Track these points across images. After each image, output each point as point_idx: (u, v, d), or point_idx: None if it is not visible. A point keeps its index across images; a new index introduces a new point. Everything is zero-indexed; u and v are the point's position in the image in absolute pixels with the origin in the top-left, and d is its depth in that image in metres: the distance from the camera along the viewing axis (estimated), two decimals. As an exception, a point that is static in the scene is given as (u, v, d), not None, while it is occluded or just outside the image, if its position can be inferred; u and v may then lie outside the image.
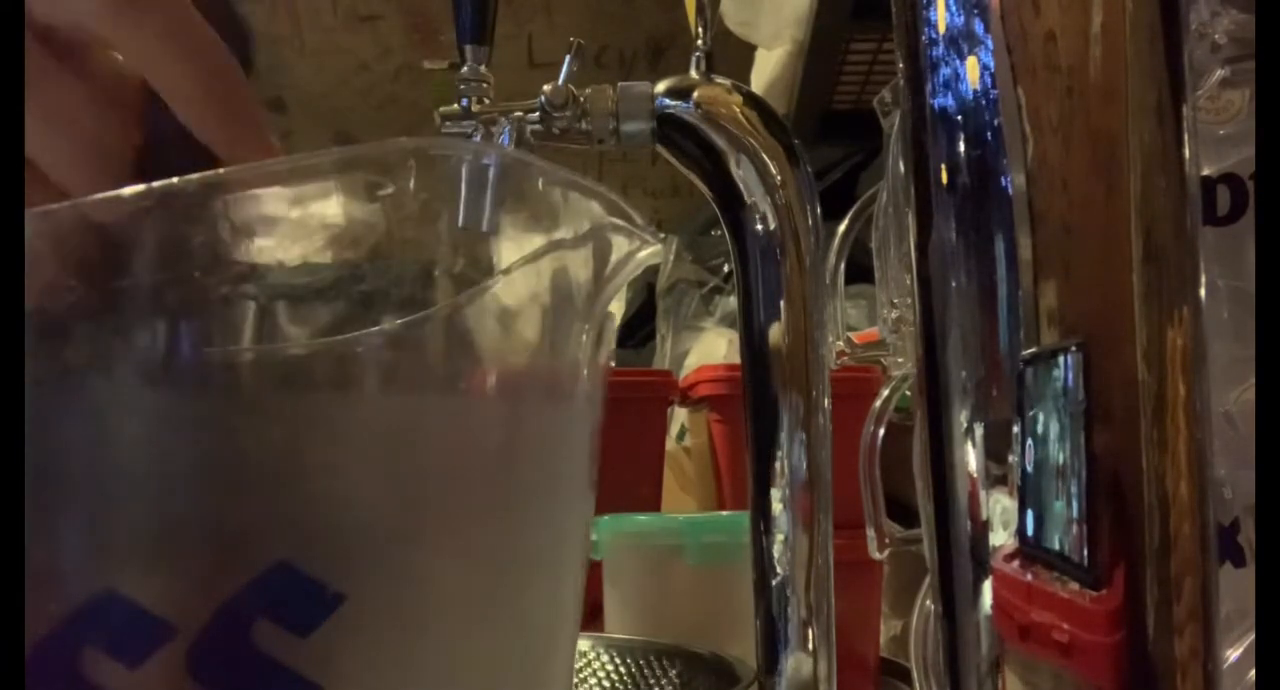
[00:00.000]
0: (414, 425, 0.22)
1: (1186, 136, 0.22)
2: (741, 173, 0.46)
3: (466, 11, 0.45)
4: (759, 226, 0.46)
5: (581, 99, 0.45)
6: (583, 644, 0.58)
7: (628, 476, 0.87)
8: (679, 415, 1.06)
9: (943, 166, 0.23)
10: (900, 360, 0.52)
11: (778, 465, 0.46)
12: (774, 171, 0.46)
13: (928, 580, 0.25)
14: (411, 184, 0.22)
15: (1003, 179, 0.22)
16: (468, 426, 0.23)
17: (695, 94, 0.46)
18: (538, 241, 0.24)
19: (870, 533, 0.51)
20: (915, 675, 0.51)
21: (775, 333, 0.46)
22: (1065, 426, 0.21)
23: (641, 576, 0.69)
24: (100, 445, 0.20)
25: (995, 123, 0.22)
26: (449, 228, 0.23)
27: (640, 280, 1.57)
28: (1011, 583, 0.22)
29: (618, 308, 0.27)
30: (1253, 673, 0.34)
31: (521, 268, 0.23)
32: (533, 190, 0.24)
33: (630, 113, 0.45)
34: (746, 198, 0.46)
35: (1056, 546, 0.21)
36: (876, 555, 0.52)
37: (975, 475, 0.23)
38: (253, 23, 1.89)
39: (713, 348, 1.41)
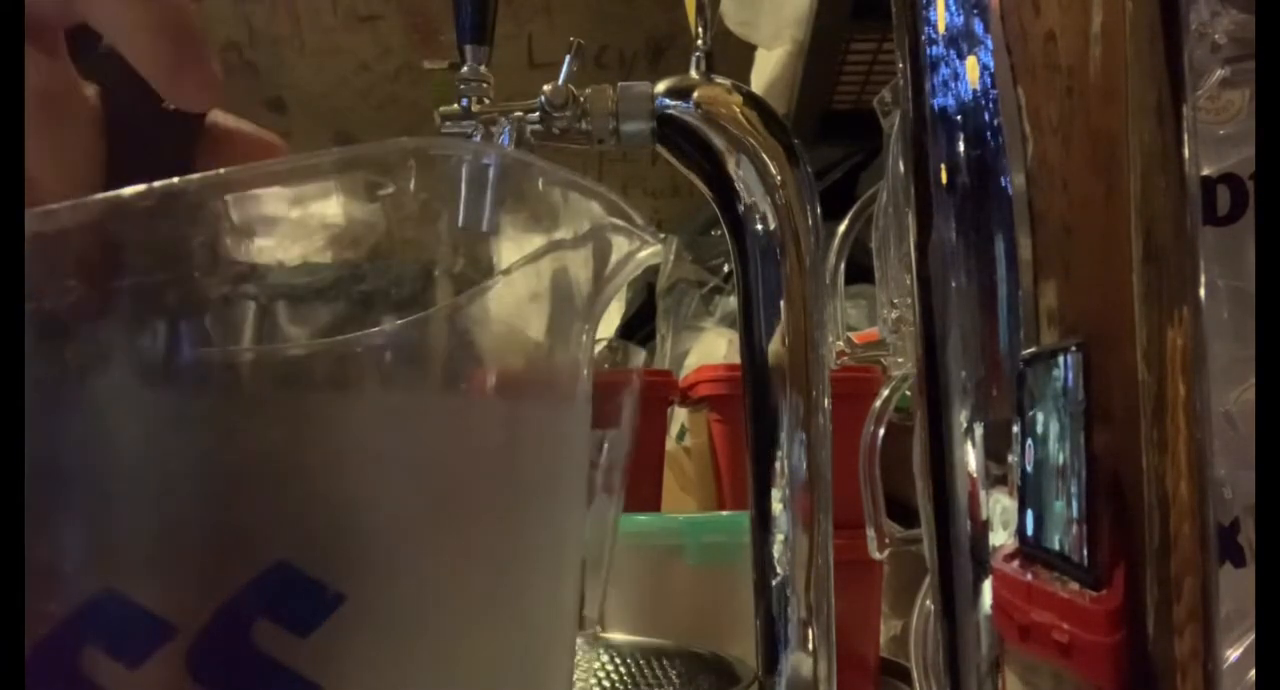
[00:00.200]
0: (414, 425, 0.22)
1: (1186, 136, 0.22)
2: (741, 173, 0.46)
3: (466, 11, 0.45)
4: (759, 226, 0.46)
5: (581, 99, 0.45)
6: (582, 644, 0.58)
7: (628, 476, 0.87)
8: (679, 415, 1.06)
9: (943, 166, 0.23)
10: (900, 360, 0.52)
11: (778, 465, 0.46)
12: (774, 171, 0.46)
13: (928, 580, 0.25)
14: (411, 184, 0.22)
15: (1003, 179, 0.22)
16: (468, 426, 0.23)
17: (695, 94, 0.46)
18: (538, 241, 0.24)
19: (870, 533, 0.51)
20: (915, 675, 0.51)
21: (775, 333, 0.46)
22: (1065, 426, 0.21)
23: (641, 576, 0.69)
24: (100, 445, 0.20)
25: (995, 123, 0.22)
26: (449, 228, 0.23)
27: (640, 280, 1.57)
28: (1011, 583, 0.22)
29: (618, 308, 0.27)
30: (1253, 673, 0.34)
31: (521, 268, 0.23)
32: (533, 190, 0.24)
33: (630, 113, 0.45)
34: (746, 198, 0.46)
35: (1056, 546, 0.21)
36: (876, 555, 0.52)
37: (975, 475, 0.23)
38: (253, 22, 1.89)
39: (713, 348, 1.41)
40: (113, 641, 0.20)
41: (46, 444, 0.20)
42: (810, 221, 0.46)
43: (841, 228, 0.55)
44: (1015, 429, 0.22)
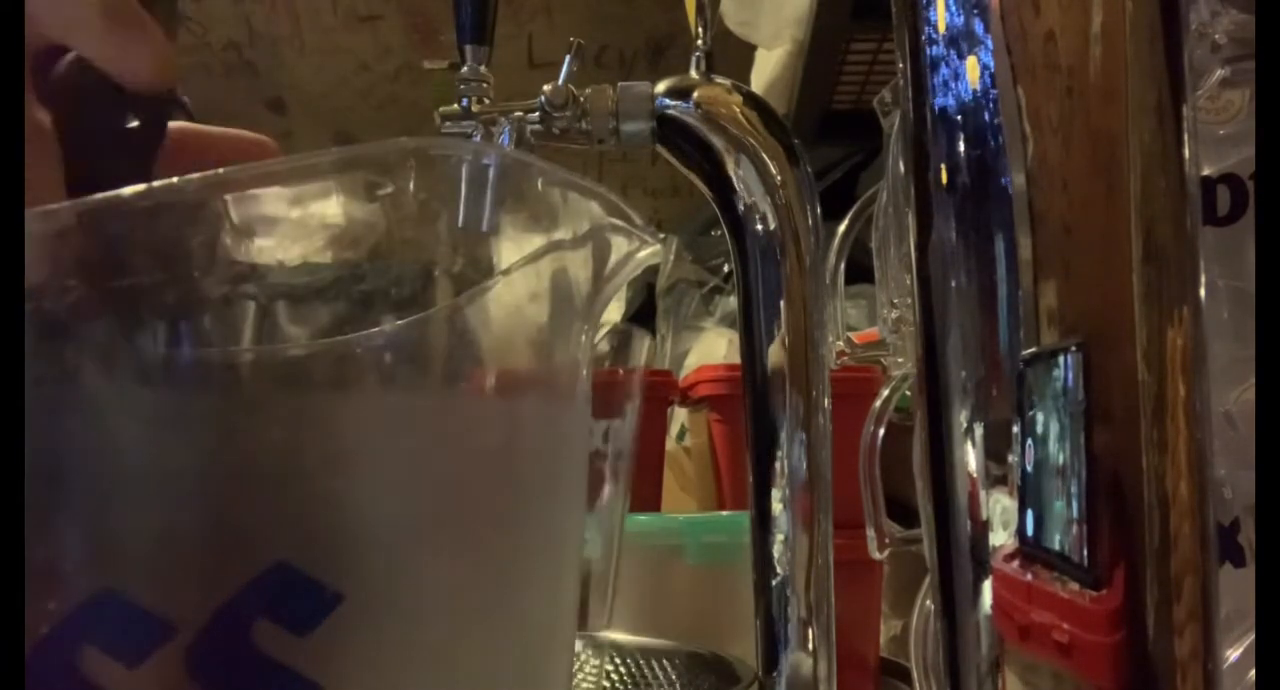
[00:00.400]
0: (414, 425, 0.22)
1: (1186, 136, 0.22)
2: (741, 173, 0.46)
3: (466, 11, 0.45)
4: (759, 226, 0.46)
5: (581, 99, 0.45)
6: (581, 644, 0.58)
7: (632, 472, 0.87)
8: (679, 415, 1.06)
9: (943, 166, 0.23)
10: (900, 360, 0.52)
11: (778, 465, 0.46)
12: (774, 171, 0.46)
13: (928, 580, 0.25)
14: (411, 184, 0.22)
15: (1003, 179, 0.22)
16: (468, 426, 0.23)
17: (695, 94, 0.46)
18: (537, 242, 0.24)
19: (870, 533, 0.51)
20: (915, 675, 0.51)
21: (775, 333, 0.46)
22: (1065, 426, 0.21)
23: (641, 576, 0.69)
24: (100, 445, 0.20)
25: (995, 123, 0.22)
26: (449, 228, 0.23)
27: (640, 280, 1.57)
28: (1011, 583, 0.22)
29: (617, 307, 0.27)
30: (1253, 673, 0.34)
31: (521, 268, 0.23)
32: (532, 190, 0.24)
33: (630, 113, 0.46)
34: (746, 198, 0.46)
35: (1056, 546, 0.21)
36: (876, 555, 0.52)
37: (975, 475, 0.23)
38: (253, 22, 1.89)
39: (713, 348, 1.41)
40: (112, 641, 0.20)
41: (46, 444, 0.20)
42: (810, 221, 0.46)
43: (841, 228, 0.55)
44: (1015, 429, 0.22)
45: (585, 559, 0.56)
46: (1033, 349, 0.22)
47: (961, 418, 0.23)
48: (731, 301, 1.11)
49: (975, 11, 0.22)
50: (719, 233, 1.15)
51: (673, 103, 0.46)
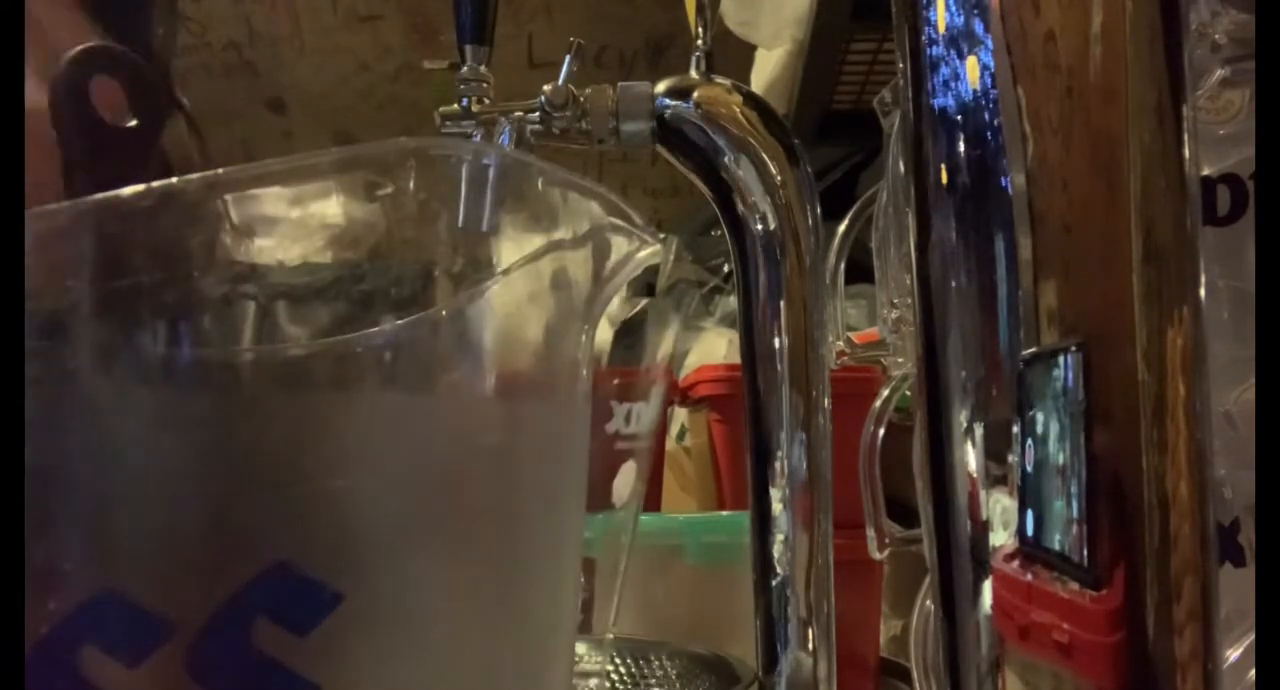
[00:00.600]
0: (414, 425, 0.22)
1: (1186, 136, 0.22)
2: (741, 173, 0.46)
3: (466, 11, 0.45)
4: (759, 226, 0.46)
5: (581, 99, 0.45)
6: (581, 644, 0.58)
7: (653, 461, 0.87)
8: (679, 415, 1.06)
9: (943, 166, 0.23)
10: (900, 360, 0.52)
11: (778, 465, 0.46)
12: (774, 171, 0.46)
13: (928, 580, 0.25)
14: (411, 184, 0.22)
15: (1003, 179, 0.22)
16: (467, 426, 0.23)
17: (695, 94, 0.46)
18: (537, 241, 0.24)
19: (870, 533, 0.51)
20: (915, 675, 0.51)
21: (775, 333, 0.46)
22: (1065, 426, 0.21)
23: (641, 576, 0.69)
24: (100, 445, 0.20)
25: (995, 123, 0.22)
26: (449, 228, 0.23)
27: (640, 280, 1.57)
28: (1011, 583, 0.22)
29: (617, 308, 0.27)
30: (1253, 673, 0.34)
31: (521, 268, 0.23)
32: (532, 190, 0.24)
33: (630, 113, 0.45)
34: (746, 198, 0.46)
35: (1056, 546, 0.21)
36: (876, 555, 0.52)
37: (975, 475, 0.23)
38: (253, 22, 1.89)
39: (713, 348, 1.41)
40: (112, 641, 0.20)
41: (46, 443, 0.20)
42: (810, 221, 0.46)
43: (841, 228, 0.55)
44: (1015, 429, 0.22)
45: (591, 558, 0.56)
46: (1033, 349, 0.22)
47: (961, 418, 0.23)
48: (731, 301, 1.11)
49: (975, 11, 0.22)
50: (719, 233, 1.15)
51: (673, 103, 0.46)
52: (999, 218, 0.22)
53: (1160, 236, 0.22)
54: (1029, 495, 0.22)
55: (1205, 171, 0.39)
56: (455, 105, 0.46)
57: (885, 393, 0.52)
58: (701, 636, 0.61)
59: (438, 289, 0.24)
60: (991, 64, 0.22)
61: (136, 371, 0.20)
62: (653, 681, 0.59)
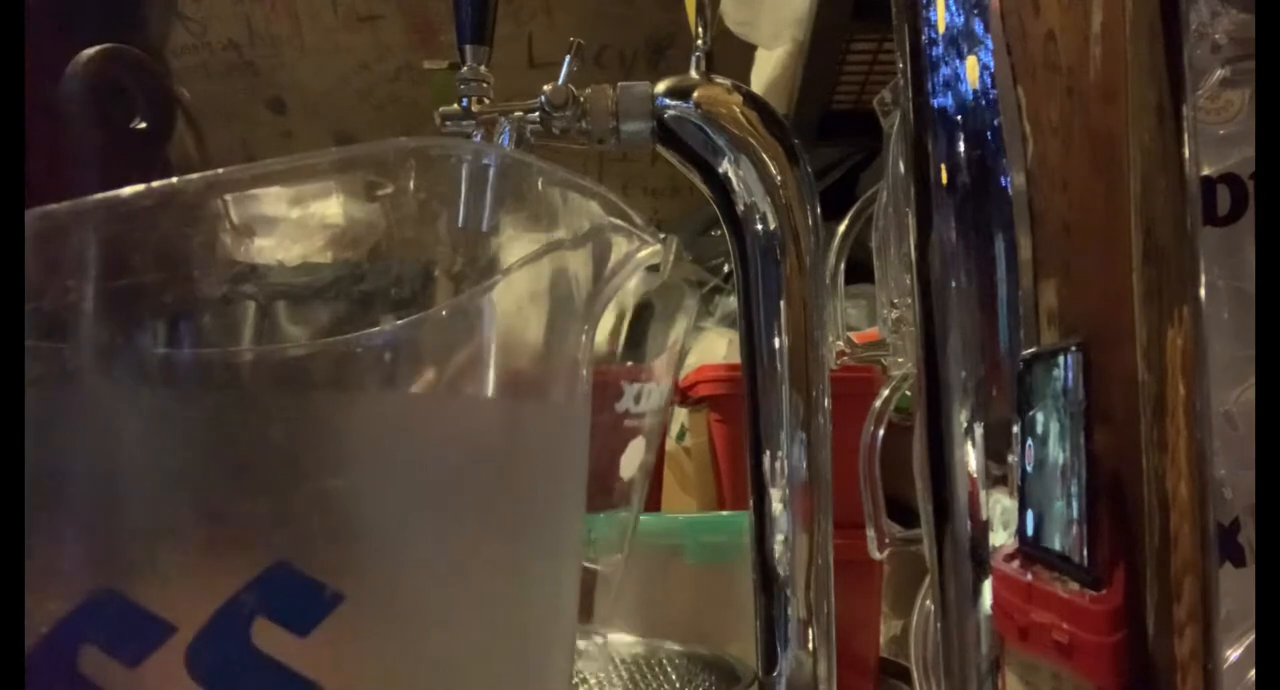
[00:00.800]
0: (414, 425, 0.22)
1: (1186, 136, 0.22)
2: (741, 173, 0.46)
3: (466, 11, 0.45)
4: (759, 226, 0.46)
5: (581, 99, 0.45)
6: (582, 644, 0.58)
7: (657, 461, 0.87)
8: (679, 415, 1.06)
9: (943, 166, 0.23)
10: (900, 360, 0.52)
11: (778, 465, 0.46)
12: (774, 171, 0.46)
13: (928, 580, 0.25)
14: (411, 184, 0.22)
15: (1003, 179, 0.22)
16: (467, 426, 0.23)
17: (695, 94, 0.46)
18: (537, 241, 0.24)
19: (870, 533, 0.51)
20: (915, 675, 0.51)
21: (775, 333, 0.46)
22: (1065, 426, 0.21)
23: (641, 576, 0.69)
24: (100, 445, 0.20)
25: (995, 123, 0.22)
26: (449, 228, 0.23)
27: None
28: (1011, 583, 0.22)
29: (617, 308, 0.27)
30: (1253, 673, 0.34)
31: (521, 268, 0.23)
32: (532, 190, 0.24)
33: (630, 113, 0.45)
34: (746, 198, 0.46)
35: (1056, 546, 0.21)
36: (876, 555, 0.52)
37: (975, 475, 0.23)
38: (253, 22, 1.89)
39: (713, 348, 1.41)
40: (112, 640, 0.20)
41: (46, 443, 0.20)
42: (810, 221, 0.46)
43: (841, 228, 0.55)
44: (1015, 429, 0.22)
45: (592, 557, 0.56)
46: (1033, 349, 0.22)
47: (961, 418, 0.23)
48: (731, 301, 1.11)
49: (975, 11, 0.22)
50: (719, 233, 1.15)
51: (673, 103, 0.46)
52: (999, 218, 0.22)
53: (1160, 236, 0.22)
54: (1029, 495, 0.22)
55: (1205, 171, 0.39)
56: (455, 105, 0.46)
57: (885, 393, 0.52)
58: (701, 636, 0.61)
59: (438, 289, 0.24)
60: (991, 64, 0.22)
61: (136, 371, 0.20)
62: (653, 681, 0.59)
